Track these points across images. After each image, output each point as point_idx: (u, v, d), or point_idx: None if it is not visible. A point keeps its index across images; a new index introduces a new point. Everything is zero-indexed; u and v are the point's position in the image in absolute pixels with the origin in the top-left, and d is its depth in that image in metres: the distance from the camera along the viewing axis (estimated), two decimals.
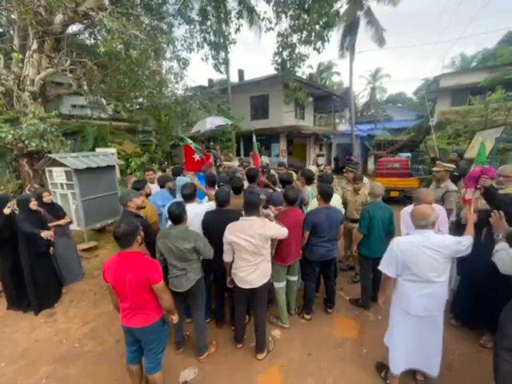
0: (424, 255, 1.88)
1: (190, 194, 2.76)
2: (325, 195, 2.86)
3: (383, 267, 2.08)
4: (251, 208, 2.32)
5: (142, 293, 1.82)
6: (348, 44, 16.18)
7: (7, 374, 2.45)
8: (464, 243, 1.89)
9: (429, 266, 1.89)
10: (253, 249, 2.26)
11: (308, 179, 3.57)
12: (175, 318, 2.08)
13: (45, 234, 3.22)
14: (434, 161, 4.42)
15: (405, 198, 8.16)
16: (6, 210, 3.11)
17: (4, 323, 3.18)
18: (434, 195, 2.86)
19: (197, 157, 4.98)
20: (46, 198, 3.66)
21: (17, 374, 2.45)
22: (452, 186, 3.36)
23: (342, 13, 11.80)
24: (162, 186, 3.71)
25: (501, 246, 1.87)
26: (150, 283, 1.80)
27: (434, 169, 3.52)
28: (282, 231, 2.44)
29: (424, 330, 2.03)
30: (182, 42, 9.00)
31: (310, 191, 3.49)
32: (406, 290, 2.01)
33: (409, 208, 2.82)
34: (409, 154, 12.31)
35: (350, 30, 15.52)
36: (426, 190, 2.92)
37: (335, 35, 15.82)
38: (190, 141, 5.07)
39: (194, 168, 4.99)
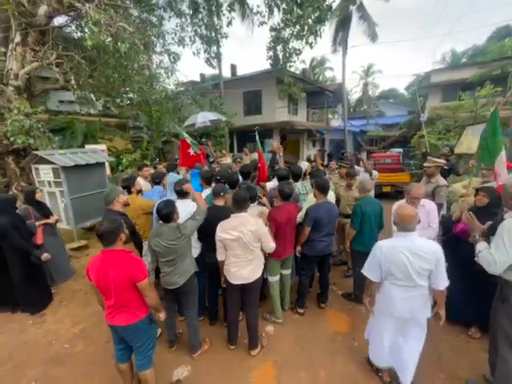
0: (407, 260, 1.82)
1: (182, 191, 2.72)
2: (321, 188, 2.87)
3: (366, 272, 2.04)
4: (240, 203, 2.29)
5: (126, 291, 1.79)
6: (341, 39, 16.14)
7: None
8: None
9: (413, 270, 1.82)
10: (244, 244, 2.25)
11: (294, 176, 3.54)
12: (162, 316, 2.06)
13: (44, 258, 3.17)
14: (425, 156, 4.47)
15: (396, 193, 8.27)
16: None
17: None
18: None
19: (192, 151, 4.93)
20: (39, 195, 3.62)
21: (4, 377, 2.39)
22: (442, 181, 3.41)
23: (334, 7, 11.74)
24: (158, 183, 3.64)
25: (481, 246, 1.89)
26: (134, 281, 1.76)
27: (425, 164, 3.56)
28: (269, 244, 2.40)
29: (406, 332, 2.00)
30: (173, 35, 8.81)
31: (300, 187, 3.48)
32: (390, 292, 1.96)
33: (401, 202, 2.85)
34: (400, 150, 12.48)
35: (343, 25, 15.47)
36: (417, 183, 2.96)
37: (328, 30, 15.78)
38: (186, 135, 5.01)
39: (188, 163, 4.95)
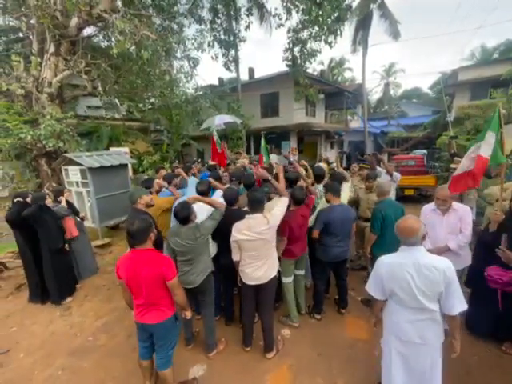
0: (411, 279, 1.59)
1: (205, 191, 2.81)
2: (333, 191, 2.80)
3: (370, 290, 1.82)
4: (255, 205, 2.29)
5: (157, 289, 1.83)
6: (361, 38, 15.76)
7: (25, 365, 2.55)
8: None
9: (418, 291, 1.58)
10: (260, 245, 2.25)
11: (317, 177, 3.49)
12: (188, 314, 2.09)
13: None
14: (453, 157, 4.22)
15: (420, 196, 7.90)
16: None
17: (24, 315, 3.32)
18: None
19: (218, 148, 5.41)
20: (67, 194, 3.90)
21: (34, 365, 2.55)
22: None
23: (354, 7, 11.52)
24: (168, 184, 3.73)
25: None
26: (165, 279, 1.81)
27: (452, 165, 3.38)
28: (283, 203, 2.41)
29: (419, 359, 1.72)
30: (193, 41, 9.07)
31: (321, 189, 3.42)
32: (396, 314, 1.74)
33: (431, 205, 2.72)
34: (425, 151, 11.90)
35: (363, 24, 15.10)
36: (444, 185, 2.81)
37: (347, 30, 15.45)
38: (214, 132, 5.45)
39: (218, 159, 5.42)
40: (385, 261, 1.73)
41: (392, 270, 1.66)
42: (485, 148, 2.52)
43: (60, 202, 3.72)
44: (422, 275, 1.56)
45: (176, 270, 1.89)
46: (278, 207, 2.37)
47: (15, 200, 3.43)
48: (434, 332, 1.66)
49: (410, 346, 1.72)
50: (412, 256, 1.62)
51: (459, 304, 1.56)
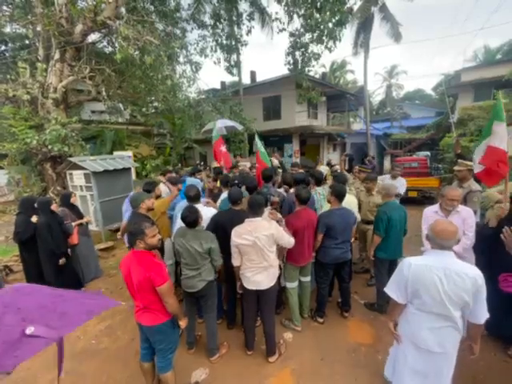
0: (440, 283, 1.54)
1: (195, 196, 2.82)
2: (338, 195, 2.79)
3: (391, 292, 1.77)
4: (255, 208, 2.29)
5: (147, 293, 1.82)
6: (362, 41, 15.79)
7: (28, 369, 2.56)
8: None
9: (446, 296, 1.54)
10: (259, 250, 2.24)
11: (316, 180, 3.49)
12: (183, 324, 2.02)
13: (61, 262, 3.40)
14: (459, 158, 4.17)
15: (423, 198, 7.84)
16: (34, 219, 3.31)
17: None
18: None
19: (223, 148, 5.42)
20: (74, 199, 3.94)
21: (37, 368, 2.56)
22: (476, 186, 3.17)
23: (355, 9, 11.57)
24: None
25: None
26: (154, 285, 1.78)
27: (456, 168, 3.35)
28: (289, 240, 2.39)
29: (435, 368, 1.71)
30: (195, 46, 9.18)
31: (321, 192, 3.41)
32: (415, 320, 1.70)
33: (433, 207, 2.70)
34: (428, 153, 11.83)
35: (364, 27, 15.13)
36: (453, 186, 2.81)
37: (349, 32, 15.53)
38: (214, 133, 5.43)
39: (225, 159, 5.42)
40: (412, 262, 1.67)
41: (420, 271, 1.61)
42: (496, 139, 2.32)
43: (69, 206, 3.77)
44: (452, 280, 1.53)
45: (168, 277, 1.84)
46: (284, 235, 2.36)
47: (20, 212, 3.41)
48: (453, 341, 1.65)
49: (427, 354, 1.69)
50: (442, 260, 1.59)
51: (485, 313, 1.55)
